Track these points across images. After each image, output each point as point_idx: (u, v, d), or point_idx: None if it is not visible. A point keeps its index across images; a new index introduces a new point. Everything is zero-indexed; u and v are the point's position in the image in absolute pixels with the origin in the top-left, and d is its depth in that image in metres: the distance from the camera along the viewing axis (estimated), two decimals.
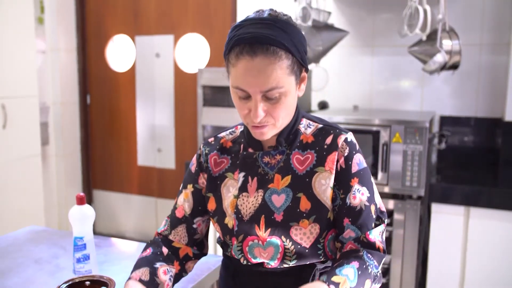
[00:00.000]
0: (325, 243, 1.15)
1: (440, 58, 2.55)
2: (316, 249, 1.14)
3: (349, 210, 1.12)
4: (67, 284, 1.25)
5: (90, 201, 4.40)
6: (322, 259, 1.16)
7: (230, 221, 1.18)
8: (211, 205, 1.23)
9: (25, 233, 1.94)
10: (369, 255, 1.11)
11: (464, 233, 2.50)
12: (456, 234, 2.52)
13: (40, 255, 1.70)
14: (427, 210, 2.65)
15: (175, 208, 1.28)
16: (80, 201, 1.45)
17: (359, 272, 1.06)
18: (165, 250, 1.24)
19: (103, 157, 4.40)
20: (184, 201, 1.26)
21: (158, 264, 1.18)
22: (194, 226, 1.26)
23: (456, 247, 2.53)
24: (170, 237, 1.27)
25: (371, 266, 1.09)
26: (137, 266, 1.17)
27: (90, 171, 4.45)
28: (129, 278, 1.13)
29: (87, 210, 1.45)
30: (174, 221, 1.27)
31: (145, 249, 1.25)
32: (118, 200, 4.38)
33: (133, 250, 1.82)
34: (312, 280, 1.15)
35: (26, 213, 3.43)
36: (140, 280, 1.12)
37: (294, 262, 1.14)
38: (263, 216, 1.14)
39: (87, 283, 1.29)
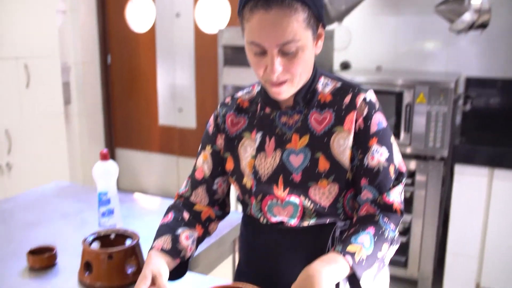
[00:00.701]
0: (344, 202, 1.14)
1: (468, 17, 2.48)
2: (335, 208, 1.14)
3: (367, 171, 1.10)
4: (94, 236, 1.28)
5: (112, 159, 4.46)
6: (342, 217, 1.16)
7: (248, 181, 1.18)
8: (229, 165, 1.22)
9: (51, 188, 1.98)
10: (385, 219, 1.10)
11: (487, 194, 2.48)
12: (479, 196, 2.50)
13: (66, 209, 1.74)
14: (450, 171, 2.62)
15: (194, 169, 1.28)
16: (103, 157, 1.47)
17: (375, 238, 1.06)
18: (186, 215, 1.23)
19: (124, 116, 4.43)
20: (204, 163, 1.26)
21: (180, 230, 1.18)
22: (215, 187, 1.26)
23: (478, 208, 2.52)
24: (191, 198, 1.27)
25: (388, 230, 1.08)
26: (159, 234, 1.18)
27: (113, 129, 4.50)
28: (151, 248, 1.14)
29: (111, 166, 1.47)
30: (194, 183, 1.27)
31: (166, 214, 1.25)
32: (140, 159, 4.44)
33: (156, 205, 1.86)
34: (333, 238, 1.15)
35: (52, 171, 3.50)
36: (162, 249, 1.13)
37: (313, 220, 1.14)
38: (281, 176, 1.13)
39: (112, 236, 1.32)
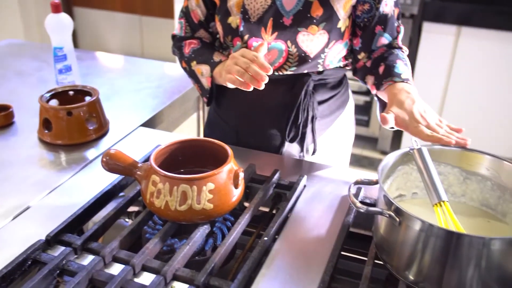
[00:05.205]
0: (328, 53, 1.11)
1: None
2: (318, 58, 1.11)
3: (381, 18, 1.09)
4: (50, 93, 1.24)
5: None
6: (319, 69, 1.14)
7: (234, 21, 1.11)
8: (217, 1, 1.15)
9: (4, 46, 1.88)
10: (403, 53, 1.11)
11: (452, 54, 2.49)
12: (444, 55, 2.50)
13: (21, 68, 1.66)
14: (418, 30, 2.59)
15: (188, 11, 1.21)
16: (55, 9, 1.38)
17: (406, 66, 1.08)
18: (208, 39, 1.24)
19: None
20: (197, 7, 1.19)
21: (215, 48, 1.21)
22: (211, 30, 1.22)
23: (442, 68, 2.54)
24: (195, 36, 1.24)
25: (408, 63, 1.10)
26: (211, 52, 1.17)
27: None
28: (220, 62, 1.13)
29: (64, 18, 1.38)
30: (193, 26, 1.22)
31: (183, 47, 1.22)
32: (101, 18, 4.22)
33: (118, 63, 1.79)
34: (306, 91, 1.14)
35: (3, 30, 3.32)
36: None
37: (293, 69, 1.11)
38: (271, 19, 1.07)
39: (71, 93, 1.28)
